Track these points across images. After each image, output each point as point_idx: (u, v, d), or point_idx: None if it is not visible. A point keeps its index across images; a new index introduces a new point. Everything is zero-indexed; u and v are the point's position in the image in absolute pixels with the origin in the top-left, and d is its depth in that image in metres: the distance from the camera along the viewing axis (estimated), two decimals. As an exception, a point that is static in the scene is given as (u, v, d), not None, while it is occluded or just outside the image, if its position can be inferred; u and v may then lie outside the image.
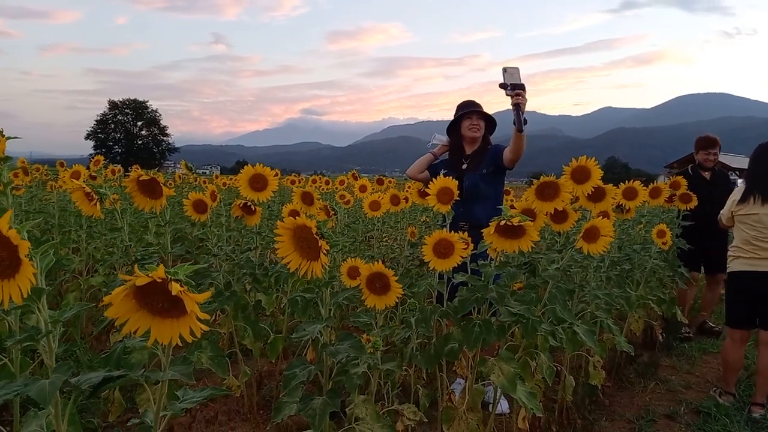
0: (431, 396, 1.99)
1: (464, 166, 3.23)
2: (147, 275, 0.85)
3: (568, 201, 2.22)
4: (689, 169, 4.88)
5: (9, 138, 2.11)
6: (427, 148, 3.50)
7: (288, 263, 1.44)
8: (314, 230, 1.38)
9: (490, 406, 2.32)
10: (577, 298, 2.80)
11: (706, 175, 4.77)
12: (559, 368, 2.70)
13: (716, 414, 3.11)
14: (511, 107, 2.70)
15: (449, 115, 3.44)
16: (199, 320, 0.89)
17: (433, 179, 2.17)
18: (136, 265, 0.87)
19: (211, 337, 2.94)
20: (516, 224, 1.60)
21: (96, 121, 68.26)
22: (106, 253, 4.24)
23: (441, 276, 2.05)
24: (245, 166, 2.31)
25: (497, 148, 3.20)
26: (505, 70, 2.73)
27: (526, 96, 2.69)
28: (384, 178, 7.01)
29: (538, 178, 2.21)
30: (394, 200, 3.60)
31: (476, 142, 3.25)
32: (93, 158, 5.62)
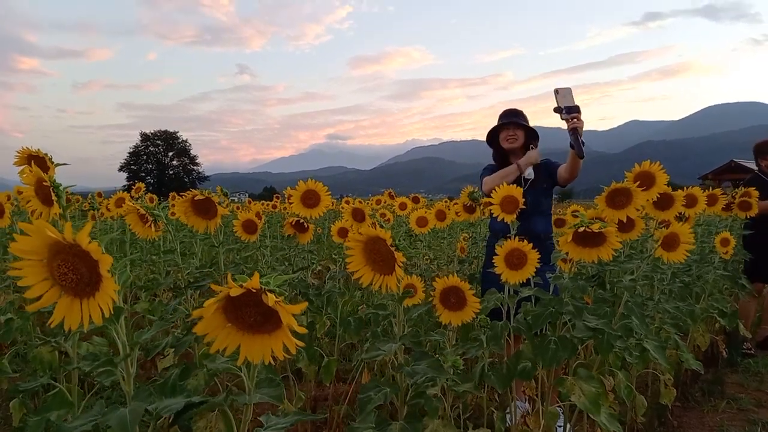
0: (505, 419, 1.86)
1: (527, 178, 3.07)
2: (241, 285, 0.77)
3: (646, 208, 2.10)
4: (759, 174, 4.67)
5: (58, 165, 2.11)
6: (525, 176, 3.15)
7: (360, 278, 1.36)
8: (389, 242, 1.30)
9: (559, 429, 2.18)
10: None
11: None
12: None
13: (797, 434, 2.89)
14: (568, 131, 2.59)
15: (473, 135, 3.38)
16: (295, 335, 0.81)
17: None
18: (230, 276, 0.79)
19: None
20: (597, 231, 1.49)
21: (129, 153, 70.11)
22: (148, 279, 4.24)
23: (502, 288, 1.94)
24: (298, 182, 2.25)
25: (549, 163, 3.07)
26: (557, 92, 2.60)
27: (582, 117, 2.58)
28: (420, 197, 6.93)
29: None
30: (440, 216, 3.51)
31: (516, 153, 3.13)
32: (134, 186, 5.68)
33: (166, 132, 71.10)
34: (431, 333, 1.65)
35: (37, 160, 1.98)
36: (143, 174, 68.72)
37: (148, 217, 2.00)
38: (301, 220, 2.30)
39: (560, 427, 2.21)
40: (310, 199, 2.24)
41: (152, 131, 70.99)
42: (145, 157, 70.40)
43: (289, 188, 3.00)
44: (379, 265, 1.35)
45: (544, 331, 1.89)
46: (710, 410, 3.33)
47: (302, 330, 0.80)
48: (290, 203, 2.26)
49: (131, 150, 70.09)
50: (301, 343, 0.81)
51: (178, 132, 71.98)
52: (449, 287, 1.49)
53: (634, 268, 2.02)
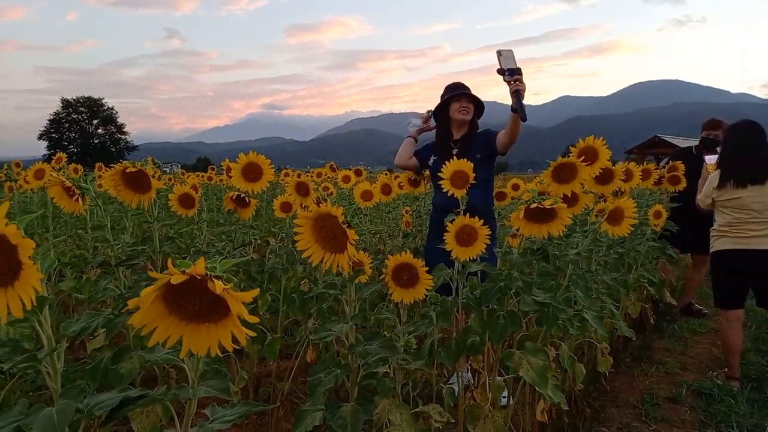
0: (453, 394, 1.86)
1: (455, 151, 3.10)
2: (183, 271, 0.69)
3: (587, 183, 2.12)
4: (693, 149, 4.88)
5: None
6: (404, 132, 3.39)
7: (309, 256, 1.29)
8: (341, 219, 1.23)
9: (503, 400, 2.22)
10: (582, 284, 2.72)
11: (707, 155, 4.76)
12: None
13: (719, 395, 3.09)
14: (509, 93, 2.59)
15: (412, 107, 3.39)
16: (245, 324, 0.74)
17: (431, 165, 2.03)
18: (170, 261, 0.70)
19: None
20: (548, 207, 1.48)
21: (49, 120, 65.76)
22: (74, 255, 3.98)
23: (450, 264, 1.92)
24: (239, 155, 2.14)
25: (488, 132, 3.09)
26: (499, 53, 2.61)
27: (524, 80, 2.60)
28: (362, 170, 6.85)
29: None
30: (386, 189, 3.46)
31: (465, 126, 3.13)
32: (55, 156, 5.30)
33: (89, 98, 67.05)
34: (381, 311, 1.61)
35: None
36: (65, 143, 64.78)
37: (75, 190, 1.84)
38: (243, 195, 2.19)
39: (504, 398, 2.24)
40: (252, 172, 2.14)
41: (75, 97, 66.79)
42: (67, 125, 66.27)
43: (227, 160, 2.85)
44: (329, 244, 1.28)
45: (490, 306, 1.90)
46: (640, 374, 3.51)
47: (253, 319, 0.72)
48: (230, 177, 2.15)
49: (51, 117, 65.77)
50: (252, 333, 0.74)
51: (103, 99, 68.07)
52: (401, 264, 1.45)
53: (578, 242, 2.05)
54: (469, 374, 2.85)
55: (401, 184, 3.67)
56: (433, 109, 3.24)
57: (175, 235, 6.43)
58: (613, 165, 2.61)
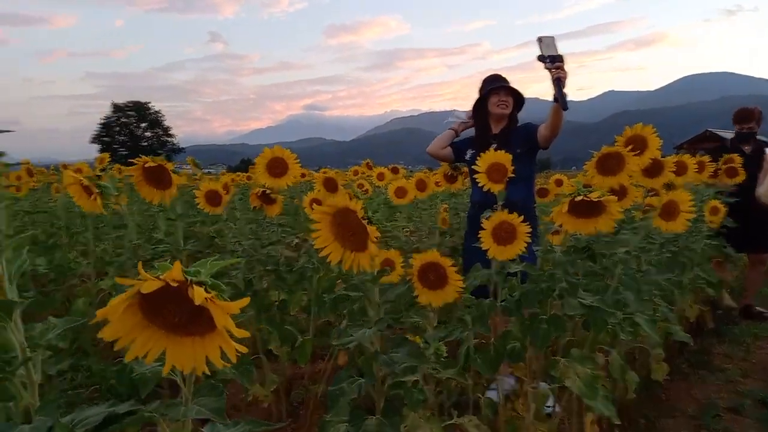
0: (493, 404, 1.72)
1: (493, 146, 2.94)
2: (157, 277, 0.58)
3: (634, 175, 1.94)
4: (728, 143, 4.56)
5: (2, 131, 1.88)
6: (445, 125, 3.24)
7: (327, 255, 1.18)
8: (361, 214, 1.12)
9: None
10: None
11: (747, 147, 4.43)
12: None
13: (787, 406, 2.83)
14: (551, 82, 2.43)
15: (452, 105, 3.22)
16: (234, 338, 0.63)
17: (466, 158, 1.89)
18: (141, 265, 0.59)
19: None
20: (595, 200, 1.33)
21: (100, 124, 68.27)
22: (115, 254, 4.00)
23: (484, 265, 1.78)
24: (264, 149, 2.05)
25: (529, 126, 2.92)
26: (540, 39, 2.45)
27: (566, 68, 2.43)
28: (399, 167, 6.73)
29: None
30: (420, 186, 3.33)
31: (504, 119, 2.97)
32: (97, 158, 5.38)
33: (137, 102, 69.31)
34: (410, 313, 1.48)
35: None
36: (116, 146, 67.08)
37: (92, 188, 1.78)
38: (268, 191, 2.10)
39: (549, 407, 2.08)
40: (277, 167, 2.04)
41: (124, 102, 69.16)
42: (117, 128, 68.67)
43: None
44: (349, 241, 1.17)
45: (532, 309, 1.75)
46: (698, 382, 3.26)
47: (243, 333, 0.61)
48: (255, 172, 2.06)
49: (102, 121, 68.28)
50: (243, 349, 0.63)
51: (149, 102, 70.24)
52: (428, 263, 1.32)
53: (628, 239, 1.88)
54: (512, 379, 2.69)
55: (438, 182, 3.52)
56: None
57: (215, 233, 6.47)
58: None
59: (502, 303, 1.67)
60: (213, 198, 2.22)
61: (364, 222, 1.12)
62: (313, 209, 1.66)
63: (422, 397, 1.26)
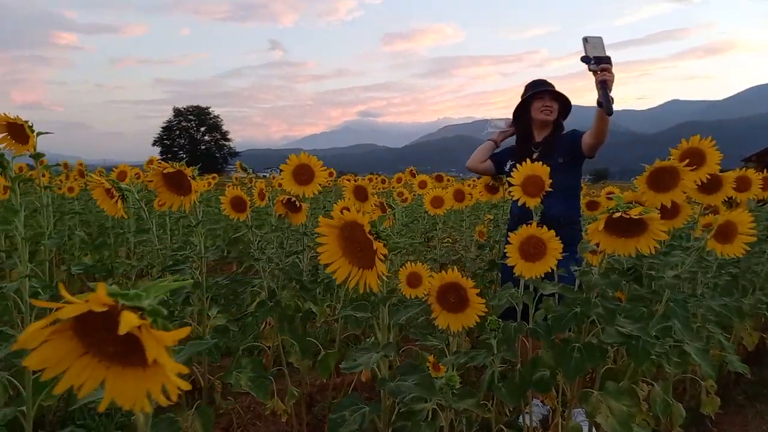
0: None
1: (535, 155, 2.76)
2: (83, 300, 0.50)
3: (689, 191, 1.77)
4: None
5: (40, 133, 1.89)
6: (484, 136, 3.09)
7: (334, 272, 1.09)
8: (367, 228, 1.02)
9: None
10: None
11: None
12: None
13: None
14: (595, 85, 2.27)
15: (506, 113, 3.04)
16: (178, 373, 0.54)
17: (508, 170, 1.76)
18: (62, 286, 0.52)
19: (254, 352, 2.64)
20: (636, 217, 1.18)
21: (162, 128, 71.05)
22: (156, 256, 4.06)
23: (518, 283, 1.64)
24: (290, 156, 1.99)
25: (575, 133, 2.74)
26: (586, 40, 2.29)
27: (613, 71, 2.26)
28: (444, 175, 6.60)
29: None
30: (458, 196, 3.21)
31: (548, 126, 2.80)
32: (147, 161, 5.51)
33: (198, 107, 71.73)
34: (428, 335, 1.37)
35: (14, 127, 1.76)
36: (176, 149, 69.61)
37: (114, 192, 1.76)
38: (293, 199, 2.03)
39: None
40: (303, 174, 1.98)
41: (185, 106, 71.75)
42: (177, 132, 71.27)
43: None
44: (357, 257, 1.08)
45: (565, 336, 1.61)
46: (755, 417, 2.99)
47: (180, 368, 0.52)
48: (281, 179, 2.00)
49: (164, 125, 71.03)
50: (187, 386, 0.54)
51: (210, 108, 72.60)
52: (448, 284, 1.21)
53: (678, 262, 1.70)
54: (544, 408, 2.53)
55: (481, 192, 3.39)
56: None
57: (223, 243, 6.52)
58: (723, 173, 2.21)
59: (531, 327, 1.54)
60: (238, 204, 2.17)
61: (371, 237, 1.03)
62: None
63: (431, 430, 1.15)
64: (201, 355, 1.92)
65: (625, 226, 1.25)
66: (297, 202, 2.03)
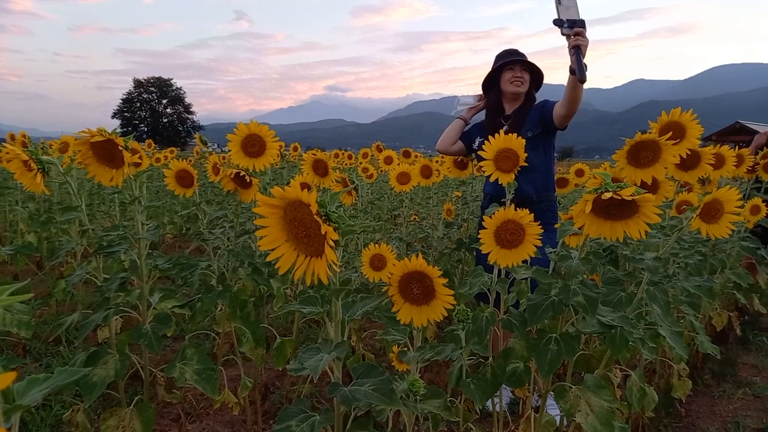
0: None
1: (504, 129, 2.60)
2: None
3: (670, 167, 1.64)
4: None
5: None
6: (454, 115, 2.90)
7: (276, 259, 0.91)
8: (314, 209, 0.85)
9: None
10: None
11: None
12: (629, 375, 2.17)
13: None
14: (567, 50, 2.11)
15: (475, 90, 2.85)
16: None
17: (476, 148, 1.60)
18: None
19: (202, 343, 2.46)
20: (628, 198, 1.04)
21: (122, 99, 68.69)
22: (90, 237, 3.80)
23: (490, 268, 1.50)
24: (238, 124, 1.78)
25: (545, 104, 2.58)
26: (558, 1, 2.12)
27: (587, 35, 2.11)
28: (411, 151, 6.43)
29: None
30: (425, 172, 3.04)
31: (519, 98, 2.64)
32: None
33: (159, 79, 69.49)
34: (390, 330, 1.22)
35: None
36: (137, 121, 67.53)
37: (33, 164, 1.53)
38: (242, 173, 1.83)
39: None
40: (253, 146, 1.78)
41: (145, 78, 69.44)
42: (138, 104, 69.07)
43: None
44: (303, 243, 0.90)
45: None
46: (722, 397, 2.97)
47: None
48: (229, 151, 1.80)
49: (124, 96, 68.67)
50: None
51: (172, 79, 70.47)
52: (411, 272, 1.04)
53: (659, 243, 1.58)
54: (512, 393, 2.43)
55: (449, 168, 3.23)
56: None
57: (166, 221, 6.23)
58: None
59: (504, 317, 1.40)
60: (184, 178, 1.96)
61: (320, 220, 0.85)
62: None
63: (391, 443, 1.00)
64: (141, 345, 1.73)
65: (614, 209, 1.11)
66: (247, 177, 1.84)
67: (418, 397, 1.04)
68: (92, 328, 1.72)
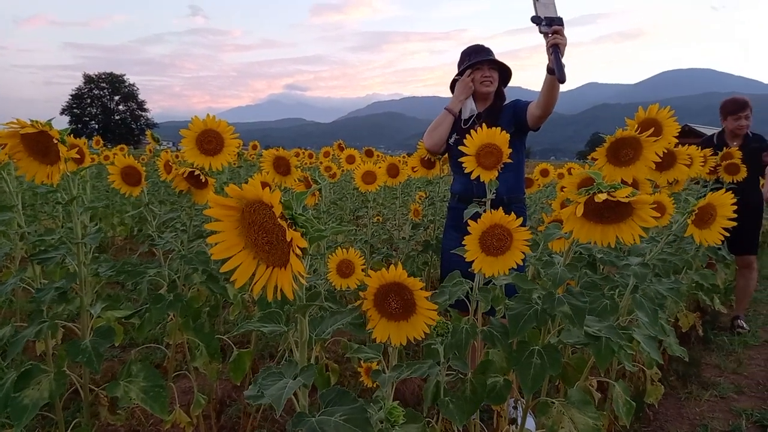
0: None
1: (476, 129, 2.50)
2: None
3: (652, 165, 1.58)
4: (714, 138, 4.21)
5: None
6: (466, 116, 2.66)
7: (232, 269, 0.78)
8: (278, 211, 0.72)
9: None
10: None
11: (735, 143, 4.05)
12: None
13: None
14: (546, 49, 2.04)
15: (434, 91, 2.81)
16: None
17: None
18: None
19: (149, 356, 2.27)
20: (624, 200, 0.94)
21: (71, 95, 66.16)
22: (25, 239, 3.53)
23: (470, 275, 1.39)
24: (192, 119, 1.62)
25: (517, 103, 2.52)
26: None
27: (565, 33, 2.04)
28: (374, 150, 6.31)
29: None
30: (392, 171, 2.93)
31: (489, 97, 2.57)
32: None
33: (111, 74, 67.25)
34: (360, 347, 1.09)
35: None
36: (87, 118, 65.17)
37: (-49, 158, 1.34)
38: (197, 172, 1.67)
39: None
40: (209, 142, 1.62)
41: (96, 73, 67.08)
42: (89, 100, 66.66)
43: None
44: (264, 251, 0.77)
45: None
46: (688, 398, 2.96)
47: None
48: (183, 148, 1.64)
49: (74, 92, 66.14)
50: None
51: (124, 75, 68.30)
52: (389, 284, 0.92)
53: (647, 248, 1.51)
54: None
55: (415, 168, 3.11)
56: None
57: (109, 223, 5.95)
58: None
59: (485, 328, 1.29)
60: (131, 175, 1.79)
61: (284, 224, 0.72)
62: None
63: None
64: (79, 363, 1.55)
65: (607, 211, 1.01)
66: (202, 176, 1.68)
67: (396, 427, 0.91)
68: (22, 346, 1.54)
